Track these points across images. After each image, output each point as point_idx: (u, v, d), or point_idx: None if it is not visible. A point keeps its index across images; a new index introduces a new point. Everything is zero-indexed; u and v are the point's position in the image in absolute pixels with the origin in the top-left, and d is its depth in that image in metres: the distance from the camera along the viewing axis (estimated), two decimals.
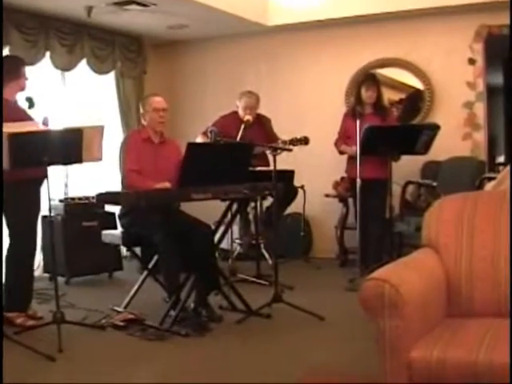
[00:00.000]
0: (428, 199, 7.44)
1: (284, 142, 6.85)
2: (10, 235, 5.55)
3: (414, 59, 8.47)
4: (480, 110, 8.15)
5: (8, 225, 5.50)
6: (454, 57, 8.22)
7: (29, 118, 5.45)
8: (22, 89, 5.63)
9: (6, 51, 7.18)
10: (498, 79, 8.01)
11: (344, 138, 7.46)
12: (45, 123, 5.31)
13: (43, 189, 5.36)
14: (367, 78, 7.67)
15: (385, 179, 6.98)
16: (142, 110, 6.13)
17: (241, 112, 7.51)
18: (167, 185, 5.54)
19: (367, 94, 7.37)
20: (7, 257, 5.50)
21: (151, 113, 5.98)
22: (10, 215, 5.48)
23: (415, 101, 8.61)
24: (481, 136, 8.14)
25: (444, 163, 7.83)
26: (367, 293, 3.14)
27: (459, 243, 3.61)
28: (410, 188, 7.73)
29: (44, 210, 5.91)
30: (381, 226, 7.26)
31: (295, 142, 6.77)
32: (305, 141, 6.78)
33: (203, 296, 5.61)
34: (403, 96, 8.70)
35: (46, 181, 5.20)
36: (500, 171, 6.63)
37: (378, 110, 7.43)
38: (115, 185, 6.43)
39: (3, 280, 5.48)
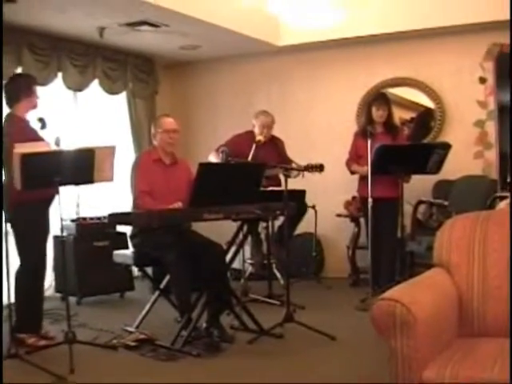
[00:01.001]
0: (439, 218, 7.42)
1: (298, 167, 6.83)
2: (19, 256, 5.55)
3: (425, 78, 8.48)
4: (491, 128, 8.14)
5: (17, 245, 5.50)
6: (465, 75, 8.23)
7: (40, 139, 5.47)
8: (34, 107, 5.66)
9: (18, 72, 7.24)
10: (509, 97, 8.01)
11: (355, 157, 7.45)
12: (57, 144, 5.34)
13: (55, 208, 5.37)
14: (378, 97, 7.67)
15: (396, 198, 6.97)
16: (153, 131, 6.15)
17: (257, 130, 7.52)
18: (180, 205, 5.56)
19: (378, 113, 7.37)
20: (16, 278, 5.47)
21: (162, 133, 6.00)
22: (19, 236, 5.48)
23: (426, 119, 8.62)
24: (492, 154, 8.12)
25: (456, 182, 7.82)
26: (379, 312, 3.14)
27: (471, 262, 3.60)
28: (422, 207, 7.71)
29: (56, 230, 5.92)
30: (393, 246, 7.25)
31: (310, 168, 6.74)
32: (320, 168, 6.75)
33: (215, 316, 5.60)
34: (414, 115, 8.71)
35: (54, 201, 5.24)
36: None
37: (389, 129, 7.43)
38: (127, 205, 6.44)
39: (13, 301, 5.47)
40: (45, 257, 5.72)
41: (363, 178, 7.20)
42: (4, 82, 5.81)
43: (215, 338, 5.46)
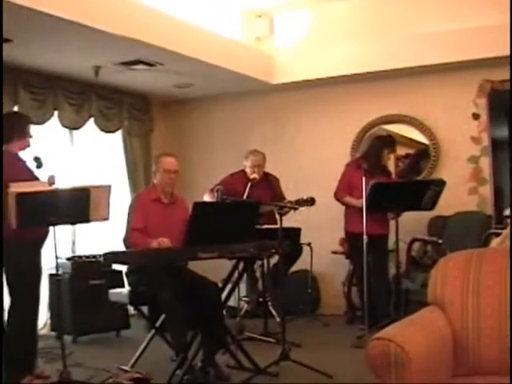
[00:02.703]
0: (434, 256, 7.42)
1: (290, 203, 6.82)
2: (11, 295, 5.53)
3: (419, 115, 8.54)
4: (485, 164, 8.19)
5: (8, 284, 5.47)
6: (458, 112, 8.29)
7: (36, 178, 5.48)
8: (27, 146, 5.65)
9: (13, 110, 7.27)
10: (502, 133, 8.07)
11: (347, 188, 7.43)
12: (51, 181, 5.35)
13: (50, 247, 5.36)
14: (392, 143, 7.75)
15: (385, 235, 7.02)
16: (154, 169, 6.15)
17: (248, 170, 7.56)
18: (165, 240, 5.54)
19: (388, 157, 7.52)
20: (8, 317, 5.42)
21: (162, 173, 5.99)
22: (10, 275, 5.44)
23: (421, 157, 8.65)
24: (487, 190, 8.16)
25: (450, 218, 7.84)
26: (373, 352, 3.13)
27: (465, 301, 3.60)
28: (416, 245, 7.71)
29: (51, 269, 5.91)
30: (385, 283, 7.27)
31: (301, 202, 6.74)
32: (311, 202, 6.76)
33: (210, 355, 5.56)
34: (409, 151, 8.74)
35: (48, 240, 5.25)
36: (507, 224, 6.63)
37: (383, 168, 7.51)
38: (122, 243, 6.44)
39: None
40: (37, 296, 5.69)
41: (350, 214, 7.23)
42: None
43: (211, 377, 5.43)
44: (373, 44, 8.34)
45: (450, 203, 7.50)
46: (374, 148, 7.64)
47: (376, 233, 6.98)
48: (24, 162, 5.56)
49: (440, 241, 7.37)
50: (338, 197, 7.52)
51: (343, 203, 7.52)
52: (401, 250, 7.13)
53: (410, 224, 7.49)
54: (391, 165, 8.13)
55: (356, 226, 6.91)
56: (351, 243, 7.44)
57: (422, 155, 8.66)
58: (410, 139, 8.73)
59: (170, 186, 6.05)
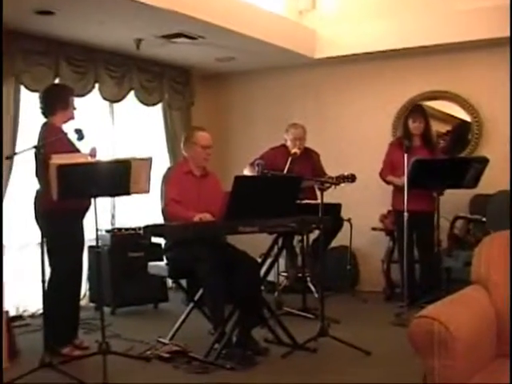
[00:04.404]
0: (477, 234, 7.35)
1: (331, 178, 6.76)
2: (50, 265, 5.57)
3: (462, 91, 8.42)
4: None
5: (48, 255, 5.50)
6: (502, 89, 8.13)
7: (77, 150, 5.51)
8: (71, 118, 5.69)
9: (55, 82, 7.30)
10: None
11: (390, 168, 7.42)
12: (92, 154, 5.38)
13: (90, 219, 5.37)
14: (414, 109, 7.67)
15: (431, 212, 6.94)
16: (184, 141, 6.13)
17: (290, 144, 7.50)
18: (207, 216, 5.54)
19: (414, 125, 7.36)
20: (48, 287, 5.42)
21: (198, 149, 5.96)
22: (52, 245, 5.48)
23: (463, 133, 8.55)
24: None
25: (493, 196, 7.73)
26: (416, 330, 3.10)
27: (509, 280, 3.55)
28: (459, 222, 7.64)
29: (91, 240, 5.92)
30: (430, 260, 7.22)
31: (342, 179, 6.69)
32: (351, 178, 6.70)
33: (246, 331, 5.55)
34: (450, 129, 8.64)
35: (88, 212, 5.28)
36: None
37: (427, 142, 7.43)
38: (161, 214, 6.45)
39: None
40: (78, 267, 5.73)
41: (397, 191, 7.19)
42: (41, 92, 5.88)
43: (249, 351, 5.43)
44: (416, 19, 8.22)
45: (492, 181, 7.38)
46: (402, 120, 7.79)
47: (423, 209, 6.96)
48: (66, 134, 5.57)
49: (484, 219, 7.28)
50: (382, 176, 7.52)
51: (387, 182, 7.48)
52: (443, 227, 7.07)
53: (452, 202, 7.42)
54: None
55: (400, 203, 6.85)
56: (397, 220, 7.38)
57: (463, 132, 8.55)
58: (452, 116, 8.62)
59: (206, 162, 6.04)
